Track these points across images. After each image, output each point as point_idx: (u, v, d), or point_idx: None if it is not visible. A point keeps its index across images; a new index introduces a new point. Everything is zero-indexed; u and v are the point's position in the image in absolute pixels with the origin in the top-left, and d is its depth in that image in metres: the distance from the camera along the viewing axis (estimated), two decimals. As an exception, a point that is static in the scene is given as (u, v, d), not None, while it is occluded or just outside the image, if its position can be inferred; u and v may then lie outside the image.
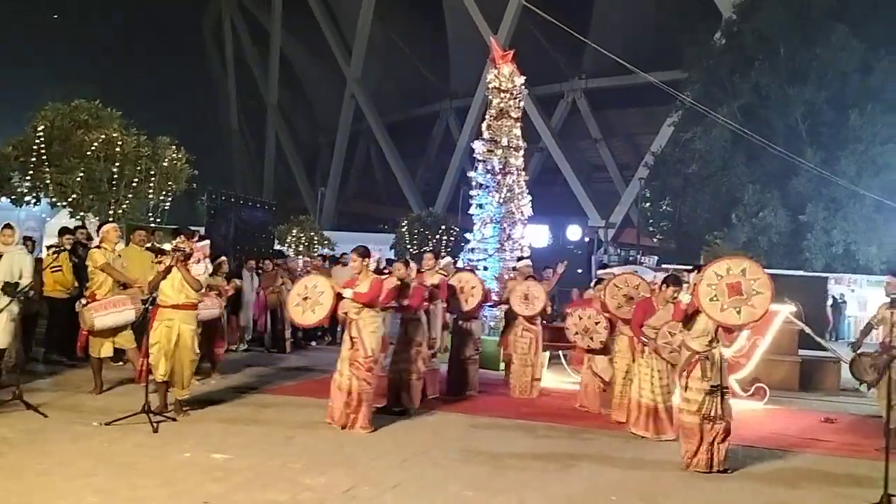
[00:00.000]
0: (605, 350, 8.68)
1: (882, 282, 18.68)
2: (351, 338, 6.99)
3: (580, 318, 8.78)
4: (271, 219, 26.65)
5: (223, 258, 10.66)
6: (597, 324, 8.63)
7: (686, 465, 6.13)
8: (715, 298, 5.76)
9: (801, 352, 11.48)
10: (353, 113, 54.37)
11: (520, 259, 11.71)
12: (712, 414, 5.99)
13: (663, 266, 19.05)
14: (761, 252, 22.03)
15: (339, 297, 7.01)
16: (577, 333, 8.79)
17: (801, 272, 18.20)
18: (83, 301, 7.99)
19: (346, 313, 7.03)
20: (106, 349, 7.86)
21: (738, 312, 5.73)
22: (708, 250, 21.48)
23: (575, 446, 7.03)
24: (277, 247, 24.27)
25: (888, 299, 7.39)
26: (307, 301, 7.07)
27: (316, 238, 27.02)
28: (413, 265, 8.34)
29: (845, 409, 9.75)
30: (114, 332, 7.80)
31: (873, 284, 20.35)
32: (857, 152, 22.70)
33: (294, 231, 26.89)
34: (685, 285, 6.94)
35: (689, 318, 6.16)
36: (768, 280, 5.82)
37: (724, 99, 25.01)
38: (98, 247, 8.12)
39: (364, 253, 7.24)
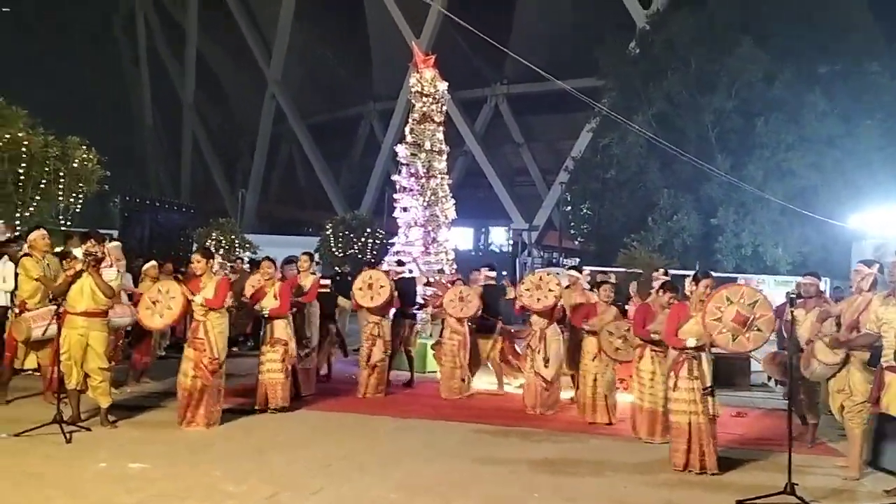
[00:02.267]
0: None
1: (787, 282, 19.74)
2: (196, 339, 7.03)
3: (539, 279, 8.80)
4: (189, 221, 25.96)
5: (153, 263, 10.35)
6: (549, 288, 8.64)
7: (674, 464, 6.25)
8: (718, 320, 6.11)
9: (714, 350, 11.93)
10: (273, 114, 53.43)
11: (487, 267, 10.89)
12: (702, 411, 6.18)
13: (584, 268, 19.46)
14: (676, 254, 22.81)
15: (188, 303, 7.08)
16: (528, 289, 8.70)
17: (713, 273, 18.89)
18: (15, 310, 7.72)
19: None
20: (30, 360, 7.66)
21: (733, 339, 6.10)
22: (625, 253, 22.09)
23: (505, 445, 7.09)
24: (196, 250, 23.59)
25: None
26: (157, 305, 7.12)
27: (237, 241, 26.32)
28: (275, 264, 8.29)
29: (754, 404, 10.22)
30: (41, 344, 7.48)
31: (780, 284, 21.33)
32: (763, 158, 23.78)
33: (214, 234, 26.13)
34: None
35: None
36: (772, 319, 6.19)
37: (639, 107, 25.78)
38: (27, 255, 7.77)
39: (207, 254, 7.39)
